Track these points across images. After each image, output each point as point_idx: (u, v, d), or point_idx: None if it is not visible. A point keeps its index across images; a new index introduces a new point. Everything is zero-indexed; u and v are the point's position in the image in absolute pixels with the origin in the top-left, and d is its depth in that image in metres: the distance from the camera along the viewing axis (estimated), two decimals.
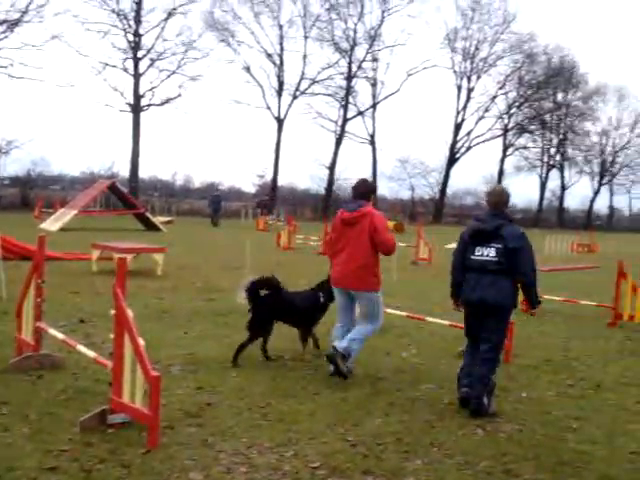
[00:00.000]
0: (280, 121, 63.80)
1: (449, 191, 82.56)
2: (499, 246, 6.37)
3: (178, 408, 5.95)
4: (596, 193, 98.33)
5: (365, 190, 7.59)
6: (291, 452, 5.09)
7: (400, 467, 4.91)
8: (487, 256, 6.41)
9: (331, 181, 68.42)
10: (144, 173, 70.09)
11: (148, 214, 33.41)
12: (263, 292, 7.93)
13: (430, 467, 4.94)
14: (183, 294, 12.61)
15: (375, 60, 69.42)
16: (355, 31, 66.28)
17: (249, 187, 74.04)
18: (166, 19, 54.58)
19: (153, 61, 55.49)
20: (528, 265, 6.38)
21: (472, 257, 6.53)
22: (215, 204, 41.94)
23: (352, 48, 66.37)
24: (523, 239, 6.42)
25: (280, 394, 6.56)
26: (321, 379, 7.16)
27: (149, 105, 56.10)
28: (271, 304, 7.92)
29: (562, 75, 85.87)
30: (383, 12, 66.47)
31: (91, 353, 6.22)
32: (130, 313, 5.24)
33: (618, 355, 9.37)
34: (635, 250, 37.80)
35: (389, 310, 10.00)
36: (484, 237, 6.48)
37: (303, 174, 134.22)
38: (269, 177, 65.80)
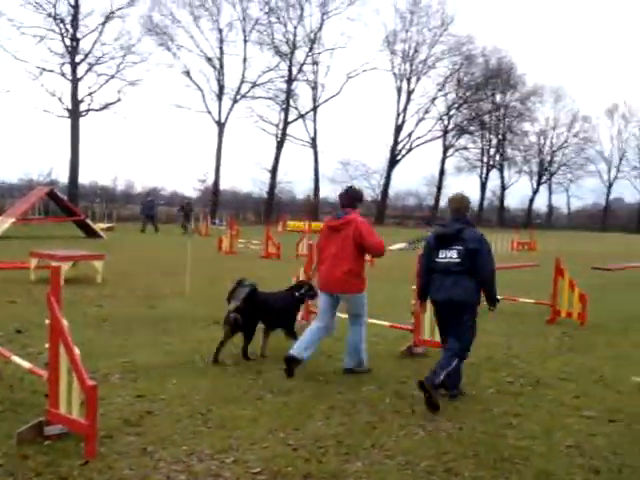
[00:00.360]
0: (221, 125, 63.56)
1: (391, 192, 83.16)
2: (460, 248, 6.85)
3: (117, 417, 5.87)
4: (535, 192, 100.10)
5: (350, 198, 8.09)
6: (232, 458, 5.05)
7: (341, 470, 4.91)
8: (450, 258, 6.89)
9: (273, 184, 68.38)
10: (84, 179, 69.00)
11: (88, 221, 32.93)
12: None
13: (371, 469, 4.95)
14: (123, 301, 12.45)
15: (315, 63, 69.66)
16: (295, 34, 66.48)
17: (191, 192, 73.42)
18: (104, 23, 53.75)
19: (91, 65, 54.60)
20: (487, 265, 6.84)
21: (437, 260, 7.00)
22: (148, 210, 40.95)
23: (292, 51, 66.54)
24: (482, 241, 6.89)
25: (221, 400, 6.50)
26: (263, 384, 7.12)
27: (88, 110, 55.24)
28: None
29: (500, 76, 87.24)
30: (323, 15, 66.80)
31: (26, 364, 6.09)
32: (65, 322, 5.15)
33: (556, 351, 9.53)
34: (573, 248, 38.56)
35: None
36: (447, 240, 6.96)
37: (246, 178, 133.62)
38: (211, 181, 65.41)
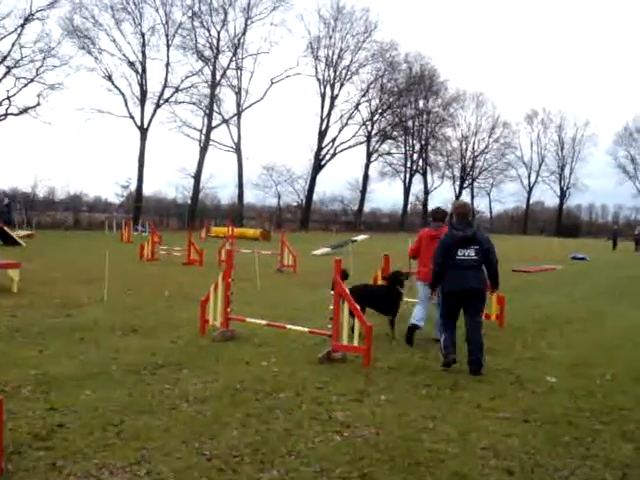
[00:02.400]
0: (143, 130, 62.71)
1: (316, 197, 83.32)
2: (477, 247, 8.55)
3: (27, 431, 5.67)
4: (458, 196, 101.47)
5: (441, 216, 10.76)
6: (144, 470, 4.93)
7: (256, 478, 4.84)
8: (469, 256, 8.53)
9: (197, 190, 67.83)
10: (3, 185, 67.44)
11: (6, 228, 32.10)
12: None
13: (286, 477, 4.90)
14: (39, 310, 12.12)
15: (239, 68, 69.43)
16: (218, 39, 66.14)
17: (114, 198, 72.26)
18: (23, 25, 52.58)
19: (9, 69, 53.27)
20: (494, 259, 8.69)
21: (457, 257, 8.54)
22: (3, 215, 38.94)
23: (216, 56, 66.14)
24: (490, 242, 8.71)
25: (136, 410, 6.36)
26: (179, 393, 6.99)
27: (6, 114, 54.01)
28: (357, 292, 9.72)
29: (423, 82, 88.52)
30: (246, 20, 66.62)
31: None
32: None
33: None
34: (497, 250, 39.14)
35: (249, 319, 9.98)
36: (466, 242, 8.54)
37: (170, 184, 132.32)
38: (134, 187, 64.52)
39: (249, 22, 66.87)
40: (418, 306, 10.53)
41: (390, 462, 5.23)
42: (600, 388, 7.86)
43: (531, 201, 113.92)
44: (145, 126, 62.81)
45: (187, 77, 65.04)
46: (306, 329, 9.40)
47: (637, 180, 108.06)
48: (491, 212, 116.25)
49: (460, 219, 8.74)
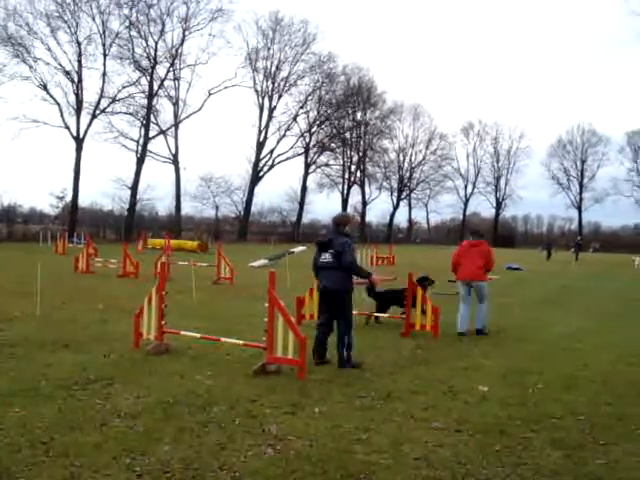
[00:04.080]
0: (79, 140, 61.90)
1: (254, 209, 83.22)
2: (332, 251, 9.44)
3: None
4: (395, 208, 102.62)
5: (478, 231, 14.02)
6: None
7: None
8: (326, 259, 9.56)
9: (134, 201, 67.13)
10: None
11: None
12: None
13: None
14: None
15: (177, 79, 69.11)
16: (156, 49, 65.86)
17: (49, 209, 71.12)
18: None
19: None
20: (345, 260, 9.32)
21: (320, 260, 9.70)
22: None
23: (153, 66, 65.75)
24: (345, 244, 9.37)
25: (65, 426, 6.23)
26: (110, 408, 6.87)
27: None
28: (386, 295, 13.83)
29: (361, 94, 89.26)
30: (184, 31, 66.46)
31: None
32: None
33: (409, 364, 9.68)
34: (431, 261, 39.60)
35: (183, 332, 9.89)
36: (324, 247, 9.63)
37: (106, 195, 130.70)
38: (69, 198, 63.53)
39: (187, 33, 66.82)
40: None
41: (322, 475, 5.21)
42: (532, 397, 7.98)
43: (468, 212, 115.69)
44: (81, 136, 62.06)
45: (124, 87, 64.66)
46: (240, 342, 9.35)
47: (570, 191, 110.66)
48: (428, 223, 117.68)
49: (334, 228, 9.72)
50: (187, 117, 71.56)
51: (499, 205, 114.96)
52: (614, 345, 12.01)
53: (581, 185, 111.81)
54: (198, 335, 9.87)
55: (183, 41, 67.19)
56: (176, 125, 70.33)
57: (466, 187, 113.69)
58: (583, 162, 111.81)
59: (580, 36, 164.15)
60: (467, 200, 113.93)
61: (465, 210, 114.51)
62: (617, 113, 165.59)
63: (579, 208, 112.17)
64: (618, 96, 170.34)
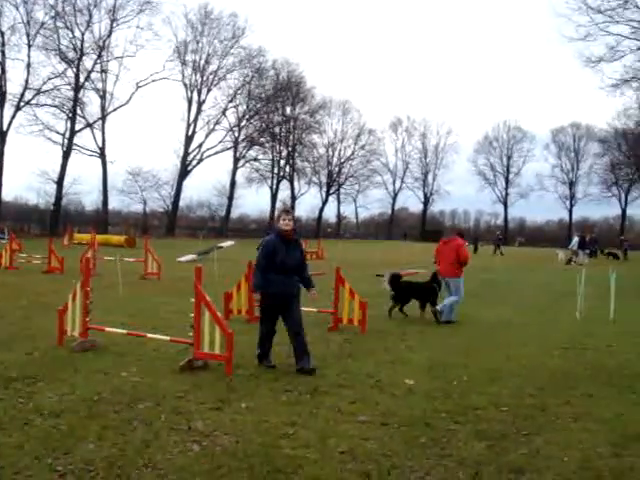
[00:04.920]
0: (2, 133, 60.46)
1: (182, 203, 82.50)
2: None
3: None
4: (325, 202, 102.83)
5: (454, 228, 15.02)
6: None
7: None
8: None
9: (59, 196, 65.87)
10: None
11: None
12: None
13: None
14: None
15: (104, 71, 67.96)
16: (83, 41, 64.58)
17: None
18: None
19: None
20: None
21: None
22: None
23: (80, 58, 64.51)
24: (260, 248, 9.06)
25: None
26: (33, 407, 6.72)
27: None
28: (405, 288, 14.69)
29: (290, 89, 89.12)
30: (112, 22, 65.38)
31: None
32: None
33: (337, 358, 9.73)
34: (359, 256, 39.90)
35: (108, 329, 9.76)
36: None
37: (31, 189, 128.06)
38: None
39: (114, 24, 65.81)
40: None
41: (248, 470, 5.20)
42: (456, 389, 8.09)
43: (396, 207, 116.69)
44: (4, 129, 60.61)
45: (49, 79, 63.31)
46: (167, 337, 9.27)
47: (496, 187, 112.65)
48: (357, 218, 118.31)
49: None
50: (114, 110, 70.60)
51: (427, 200, 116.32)
52: (538, 337, 12.27)
53: (507, 181, 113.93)
54: (124, 331, 9.76)
55: (111, 33, 66.28)
56: (103, 118, 69.28)
57: (394, 182, 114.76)
58: (509, 158, 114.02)
59: (507, 35, 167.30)
60: (395, 195, 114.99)
61: (393, 205, 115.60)
62: (542, 111, 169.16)
63: (505, 203, 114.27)
64: (543, 94, 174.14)
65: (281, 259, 8.78)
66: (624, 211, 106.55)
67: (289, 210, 9.32)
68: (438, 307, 14.09)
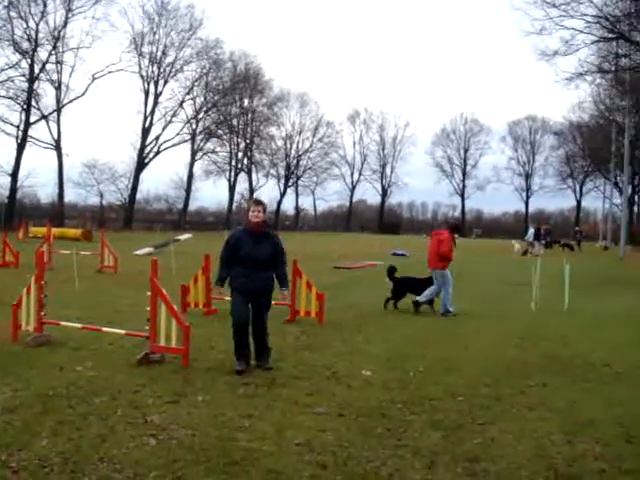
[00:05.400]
0: None
1: (140, 196, 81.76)
2: None
3: None
4: (283, 195, 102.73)
5: (446, 220, 16.35)
6: None
7: None
8: None
9: (14, 189, 64.85)
10: None
11: None
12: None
13: None
14: None
15: (59, 62, 66.90)
16: (37, 31, 63.32)
17: None
18: None
19: None
20: None
21: None
22: None
23: (34, 49, 63.34)
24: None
25: None
26: None
27: None
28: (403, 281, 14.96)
29: (248, 81, 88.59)
30: (67, 12, 64.25)
31: None
32: None
33: (293, 350, 9.75)
34: (318, 248, 39.92)
35: (64, 323, 9.67)
36: None
37: None
38: None
39: (70, 15, 64.64)
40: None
41: (205, 463, 5.20)
42: (413, 379, 8.16)
43: (354, 199, 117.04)
44: None
45: (3, 70, 61.96)
46: (123, 331, 9.22)
47: (454, 179, 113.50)
48: (315, 210, 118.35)
49: None
50: (70, 102, 69.52)
51: (385, 192, 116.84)
52: (494, 328, 12.41)
53: (464, 173, 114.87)
54: (79, 325, 9.68)
55: (66, 23, 65.10)
56: (59, 110, 68.25)
57: (352, 174, 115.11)
58: (466, 150, 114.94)
59: (465, 28, 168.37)
60: (353, 187, 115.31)
61: (352, 197, 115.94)
62: (499, 104, 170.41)
63: (462, 195, 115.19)
64: (500, 87, 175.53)
65: (247, 253, 8.32)
66: (579, 203, 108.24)
67: (260, 201, 8.72)
68: (418, 297, 14.38)
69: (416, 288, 14.72)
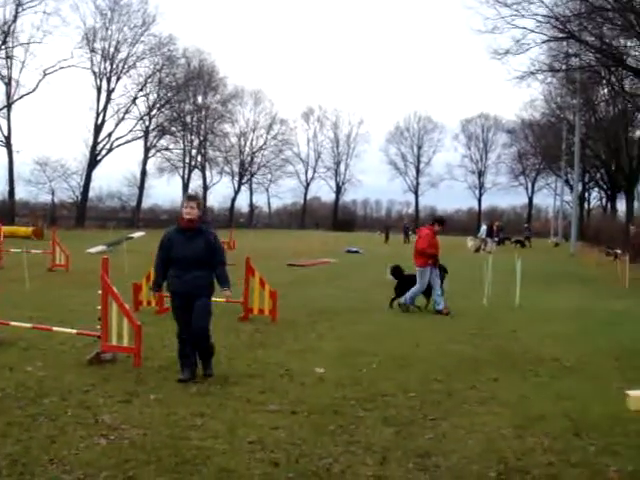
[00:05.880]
0: None
1: (92, 194, 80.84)
2: None
3: None
4: (237, 192, 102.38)
5: (434, 217, 14.83)
6: None
7: None
8: None
9: None
10: None
11: None
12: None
13: None
14: None
15: (9, 57, 65.83)
16: None
17: None
18: None
19: None
20: None
21: None
22: None
23: None
24: None
25: None
26: None
27: None
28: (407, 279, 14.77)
29: (202, 78, 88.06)
30: (17, 7, 63.22)
31: None
32: None
33: (247, 348, 9.73)
34: (271, 245, 39.91)
35: (13, 323, 9.54)
36: None
37: None
38: None
39: (20, 9, 63.62)
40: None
41: (157, 462, 5.17)
42: (366, 376, 8.20)
43: (308, 196, 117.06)
44: None
45: None
46: (74, 331, 9.12)
47: (407, 176, 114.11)
48: (270, 207, 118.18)
49: None
50: (20, 98, 68.54)
51: (339, 189, 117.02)
52: (446, 324, 12.53)
53: (417, 170, 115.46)
54: (29, 325, 9.55)
55: (16, 18, 64.05)
56: (9, 106, 67.19)
57: (307, 172, 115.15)
58: (419, 148, 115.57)
59: (418, 26, 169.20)
60: (308, 185, 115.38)
61: (306, 194, 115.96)
62: (452, 102, 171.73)
63: (416, 192, 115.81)
64: (454, 85, 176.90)
65: (178, 252, 7.73)
66: (531, 200, 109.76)
67: (193, 196, 8.24)
68: (401, 299, 14.47)
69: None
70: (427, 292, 14.55)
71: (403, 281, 14.86)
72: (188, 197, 8.06)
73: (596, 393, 7.69)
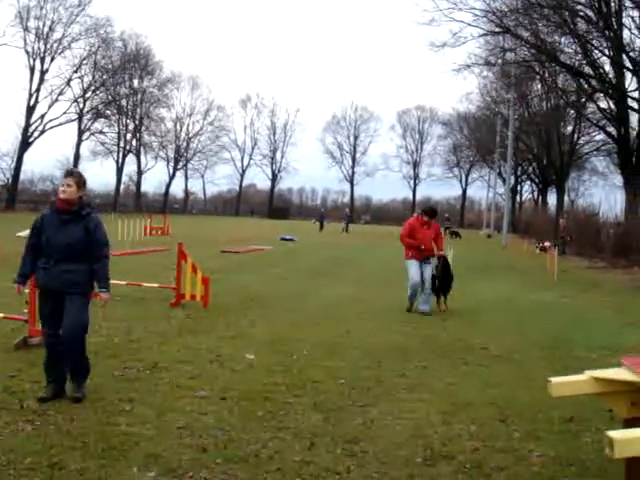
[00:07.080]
0: None
1: (24, 177, 79.34)
2: None
3: None
4: (172, 178, 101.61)
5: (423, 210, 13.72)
6: None
7: None
8: None
9: None
10: None
11: None
12: None
13: None
14: None
15: None
16: None
17: None
18: None
19: None
20: None
21: None
22: None
23: None
24: None
25: None
26: None
27: None
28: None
29: (138, 61, 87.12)
30: None
31: None
32: None
33: (177, 334, 9.67)
34: (206, 232, 39.66)
35: None
36: None
37: None
38: None
39: None
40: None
41: (83, 448, 5.11)
42: (296, 363, 8.23)
43: (244, 183, 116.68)
44: None
45: None
46: (1, 314, 8.94)
47: (343, 165, 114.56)
48: (205, 194, 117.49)
49: None
50: None
51: (275, 177, 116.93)
52: (378, 313, 12.63)
53: (354, 160, 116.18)
54: None
55: None
56: None
57: (243, 159, 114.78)
58: (356, 138, 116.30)
59: (357, 16, 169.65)
60: (244, 171, 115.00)
61: (241, 181, 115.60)
62: (389, 93, 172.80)
63: (351, 182, 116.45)
64: (391, 76, 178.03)
65: (48, 238, 6.30)
66: (464, 191, 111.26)
67: (71, 171, 6.64)
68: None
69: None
70: (435, 289, 13.60)
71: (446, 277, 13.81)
72: (66, 172, 6.62)
73: (522, 381, 7.86)
